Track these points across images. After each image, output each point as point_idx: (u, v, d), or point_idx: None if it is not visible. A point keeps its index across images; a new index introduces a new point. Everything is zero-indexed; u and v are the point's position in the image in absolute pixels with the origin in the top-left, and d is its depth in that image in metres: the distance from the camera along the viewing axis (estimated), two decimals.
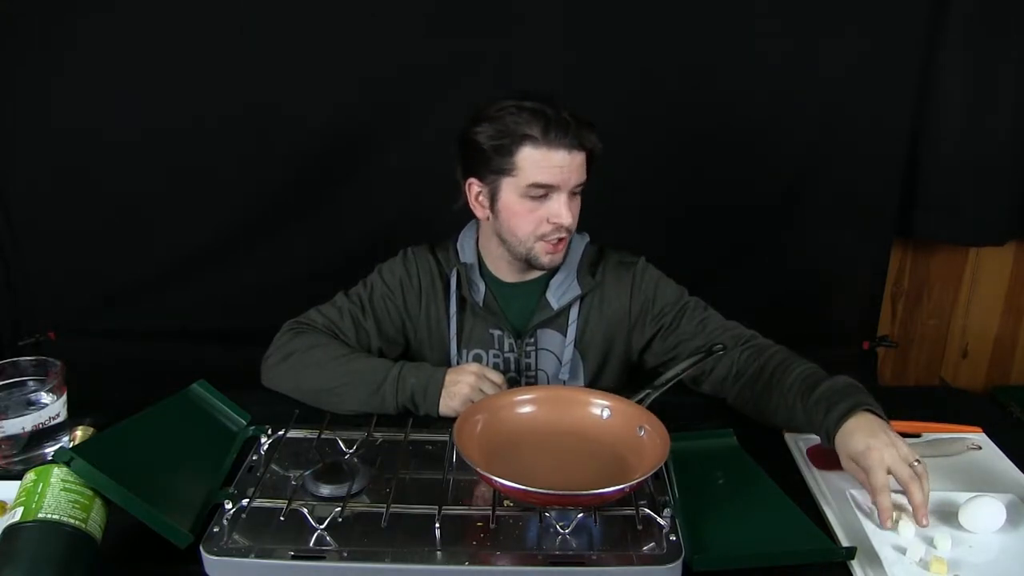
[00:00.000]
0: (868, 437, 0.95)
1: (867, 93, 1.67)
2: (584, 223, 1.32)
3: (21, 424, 1.02)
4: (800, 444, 1.10)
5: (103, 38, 1.59)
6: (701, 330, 1.26)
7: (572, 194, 1.19)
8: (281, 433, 1.06)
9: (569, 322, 1.28)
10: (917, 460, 0.92)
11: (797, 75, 1.66)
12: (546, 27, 1.61)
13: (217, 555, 0.83)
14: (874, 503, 0.93)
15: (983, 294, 1.95)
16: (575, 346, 1.29)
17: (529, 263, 1.23)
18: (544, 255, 1.21)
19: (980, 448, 1.10)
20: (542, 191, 1.16)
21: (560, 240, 1.20)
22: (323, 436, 1.05)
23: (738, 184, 1.75)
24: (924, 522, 0.89)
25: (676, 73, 1.66)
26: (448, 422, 1.03)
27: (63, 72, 1.61)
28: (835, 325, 1.89)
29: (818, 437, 1.04)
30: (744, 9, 1.62)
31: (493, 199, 1.20)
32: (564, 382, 1.29)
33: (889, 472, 0.92)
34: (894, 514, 0.92)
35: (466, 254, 1.30)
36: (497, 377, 1.18)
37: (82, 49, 1.60)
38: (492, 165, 1.17)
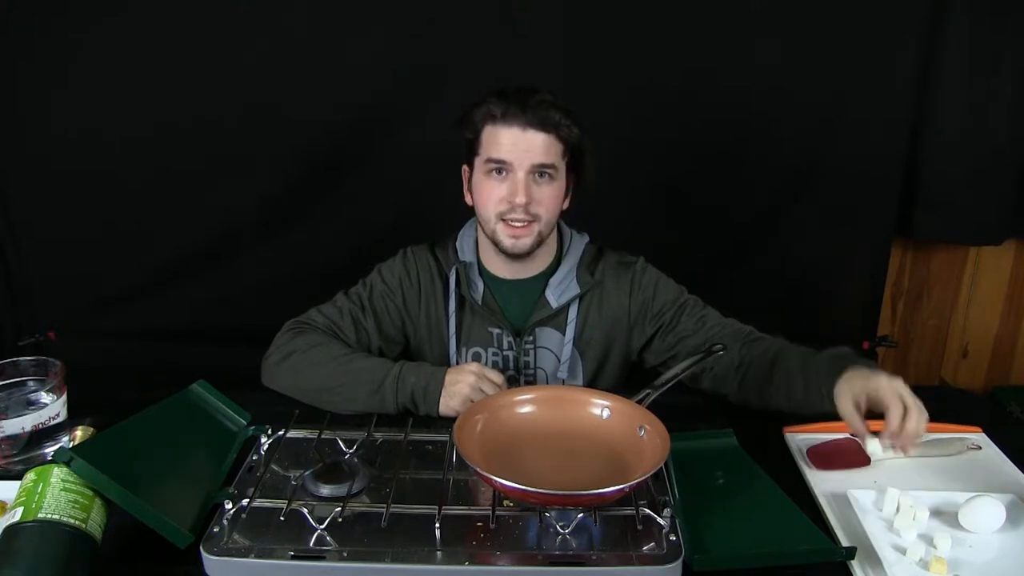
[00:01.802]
0: (869, 377, 1.00)
1: (867, 93, 1.67)
2: (584, 222, 1.33)
3: (21, 424, 1.02)
4: (800, 444, 1.10)
5: (102, 42, 1.59)
6: (700, 327, 1.26)
7: (537, 178, 1.20)
8: (281, 433, 1.06)
9: (568, 321, 1.29)
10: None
11: (797, 75, 1.66)
12: (546, 28, 1.61)
13: (217, 555, 0.83)
14: (872, 495, 0.94)
15: (983, 294, 1.95)
16: (574, 345, 1.29)
17: (497, 247, 1.25)
18: (506, 238, 1.22)
19: (980, 448, 1.10)
20: (497, 166, 1.19)
21: (521, 224, 1.21)
22: (323, 436, 1.05)
23: (738, 184, 1.75)
24: (911, 452, 0.99)
25: (676, 73, 1.66)
26: (448, 422, 1.03)
27: (63, 74, 1.61)
28: (835, 325, 1.88)
29: (816, 431, 1.07)
30: (744, 9, 1.62)
31: (471, 182, 1.25)
32: (563, 381, 1.29)
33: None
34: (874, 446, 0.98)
35: (465, 252, 1.31)
36: (497, 377, 1.18)
37: (81, 52, 1.59)
38: (470, 147, 1.23)
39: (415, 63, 1.62)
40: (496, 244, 1.24)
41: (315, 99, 1.64)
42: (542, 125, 1.17)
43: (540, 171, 1.19)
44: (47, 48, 1.59)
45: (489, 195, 1.21)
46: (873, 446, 1.00)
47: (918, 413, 0.96)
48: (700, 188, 1.75)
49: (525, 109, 1.17)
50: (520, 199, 1.18)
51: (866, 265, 1.84)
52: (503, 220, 1.21)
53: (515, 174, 1.19)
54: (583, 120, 1.22)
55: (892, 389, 0.98)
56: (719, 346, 1.16)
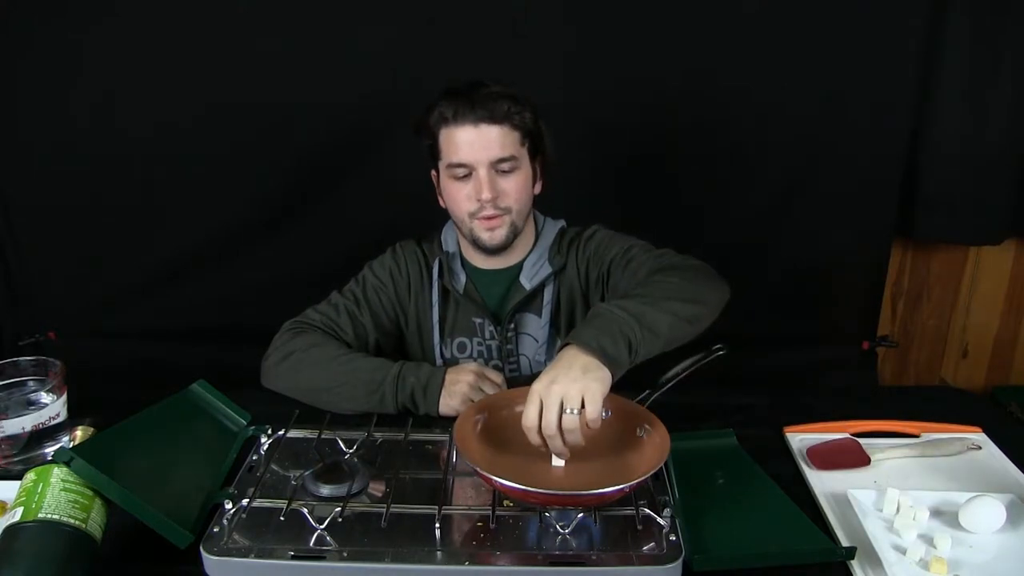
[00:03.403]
0: (550, 370, 0.91)
1: (867, 93, 1.67)
2: (580, 221, 1.33)
3: (21, 424, 1.02)
4: (800, 444, 1.10)
5: (102, 42, 1.59)
6: (622, 273, 1.24)
7: (500, 170, 1.21)
8: (281, 433, 1.06)
9: (544, 304, 1.30)
10: (578, 410, 0.88)
11: (797, 75, 1.66)
12: (546, 27, 1.61)
13: (217, 555, 0.83)
14: (872, 495, 0.95)
15: (983, 294, 1.95)
16: (551, 326, 1.30)
17: (476, 244, 1.26)
18: (482, 232, 1.24)
19: (980, 448, 1.10)
20: (462, 170, 1.20)
21: (492, 216, 1.22)
22: (323, 436, 1.05)
23: (738, 183, 1.75)
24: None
25: (676, 72, 1.66)
26: (448, 422, 1.03)
27: (63, 75, 1.61)
28: (835, 325, 1.88)
29: (819, 432, 1.04)
30: (744, 9, 1.62)
31: (439, 186, 1.26)
32: (543, 362, 1.30)
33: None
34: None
35: (449, 244, 1.33)
36: (497, 376, 1.18)
37: (81, 53, 1.59)
38: (431, 153, 1.24)
39: (415, 64, 1.62)
40: (475, 243, 1.26)
41: (315, 99, 1.64)
42: (493, 118, 1.18)
43: (501, 164, 1.20)
44: (47, 48, 1.59)
45: (458, 197, 1.23)
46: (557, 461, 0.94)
47: (534, 435, 0.89)
48: (700, 188, 1.75)
49: (474, 105, 1.17)
50: (486, 195, 1.20)
51: (866, 265, 1.84)
52: (476, 218, 1.23)
53: (477, 172, 1.19)
54: (534, 102, 1.22)
55: (532, 389, 0.90)
56: (718, 346, 1.16)
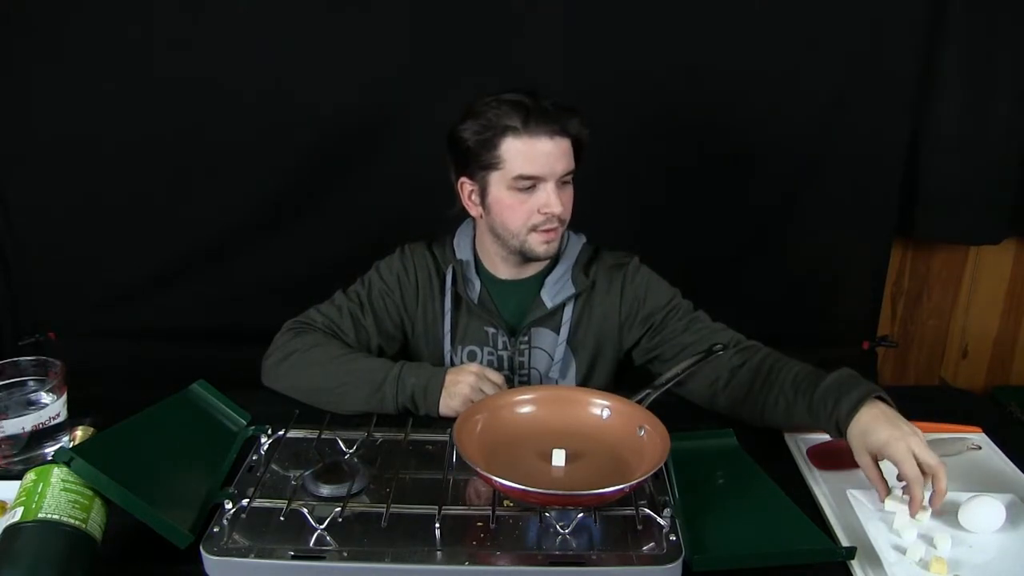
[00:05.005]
0: (888, 427, 0.94)
1: (867, 93, 1.67)
2: (582, 223, 1.33)
3: (21, 424, 1.02)
4: (800, 444, 1.10)
5: (101, 39, 1.59)
6: (686, 328, 1.25)
7: (561, 183, 1.19)
8: (281, 433, 1.06)
9: (563, 321, 1.29)
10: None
11: (797, 76, 1.66)
12: (546, 28, 1.61)
13: (217, 555, 0.83)
14: (873, 495, 0.94)
15: (983, 294, 1.95)
16: (567, 344, 1.29)
17: (524, 255, 1.23)
18: (539, 245, 1.21)
19: (980, 448, 1.10)
20: (529, 182, 1.17)
21: (553, 229, 1.20)
22: (323, 436, 1.05)
23: (738, 184, 1.75)
24: (937, 508, 0.91)
25: (677, 73, 1.66)
26: (448, 422, 1.03)
27: (61, 73, 1.61)
28: (835, 325, 1.89)
29: (819, 433, 1.05)
30: (745, 9, 1.62)
31: (484, 195, 1.21)
32: (555, 380, 1.29)
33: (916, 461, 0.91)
34: (893, 506, 0.93)
35: (462, 251, 1.31)
36: (497, 377, 1.18)
37: (80, 50, 1.60)
38: (479, 161, 1.18)
39: (415, 64, 1.62)
40: (524, 253, 1.23)
41: (315, 100, 1.64)
42: (565, 131, 1.16)
43: (564, 177, 1.19)
44: (48, 49, 1.59)
45: (519, 210, 1.19)
46: (891, 505, 0.94)
47: (943, 472, 0.90)
48: (700, 188, 1.75)
49: (550, 117, 1.14)
50: (558, 209, 1.17)
51: (866, 265, 1.84)
52: (537, 231, 1.20)
53: (546, 185, 1.17)
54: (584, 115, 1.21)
55: (903, 450, 0.91)
56: (719, 345, 1.16)
